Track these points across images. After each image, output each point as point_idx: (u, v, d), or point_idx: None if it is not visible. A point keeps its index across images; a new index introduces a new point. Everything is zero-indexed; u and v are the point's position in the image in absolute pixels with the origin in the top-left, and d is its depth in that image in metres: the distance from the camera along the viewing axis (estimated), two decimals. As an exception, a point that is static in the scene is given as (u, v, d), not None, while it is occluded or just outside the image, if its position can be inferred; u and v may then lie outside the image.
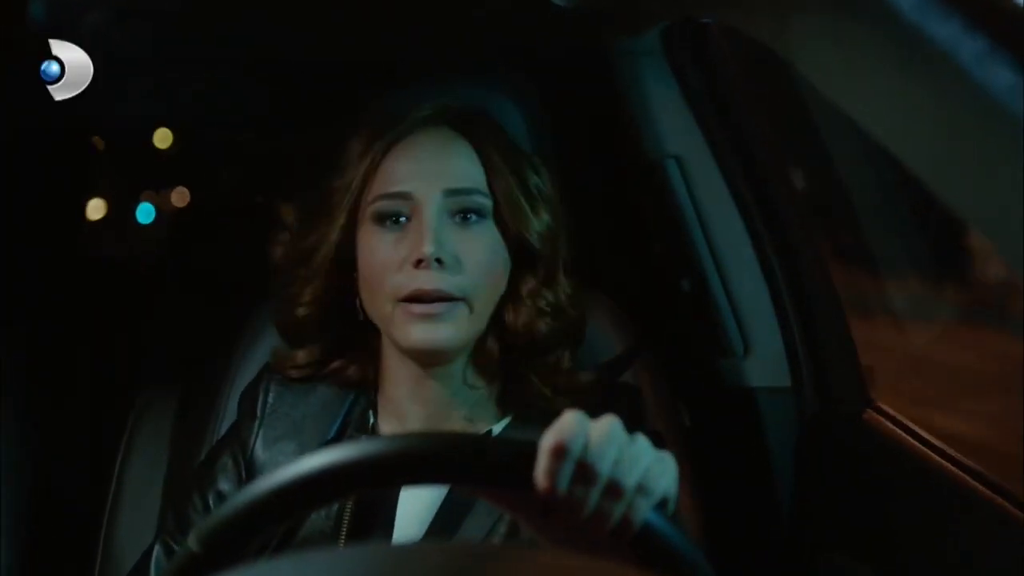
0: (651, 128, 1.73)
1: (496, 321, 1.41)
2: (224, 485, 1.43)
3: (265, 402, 1.46)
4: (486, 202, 1.38)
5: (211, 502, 1.42)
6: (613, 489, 0.92)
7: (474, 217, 1.37)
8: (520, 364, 1.42)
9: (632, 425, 0.97)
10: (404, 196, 1.36)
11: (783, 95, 1.66)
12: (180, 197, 5.94)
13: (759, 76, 1.68)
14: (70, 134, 2.37)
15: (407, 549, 1.01)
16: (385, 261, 1.35)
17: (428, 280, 1.32)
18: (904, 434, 1.48)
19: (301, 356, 1.46)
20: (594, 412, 0.96)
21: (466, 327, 1.36)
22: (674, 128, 1.72)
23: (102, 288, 3.18)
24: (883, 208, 1.76)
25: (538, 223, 1.41)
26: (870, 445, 1.55)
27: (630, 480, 0.92)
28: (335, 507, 1.36)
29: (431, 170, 1.37)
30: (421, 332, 1.33)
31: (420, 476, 0.96)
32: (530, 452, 0.92)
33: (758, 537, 1.71)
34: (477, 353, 1.41)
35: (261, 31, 1.70)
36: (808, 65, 1.26)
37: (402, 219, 1.36)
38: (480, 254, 1.36)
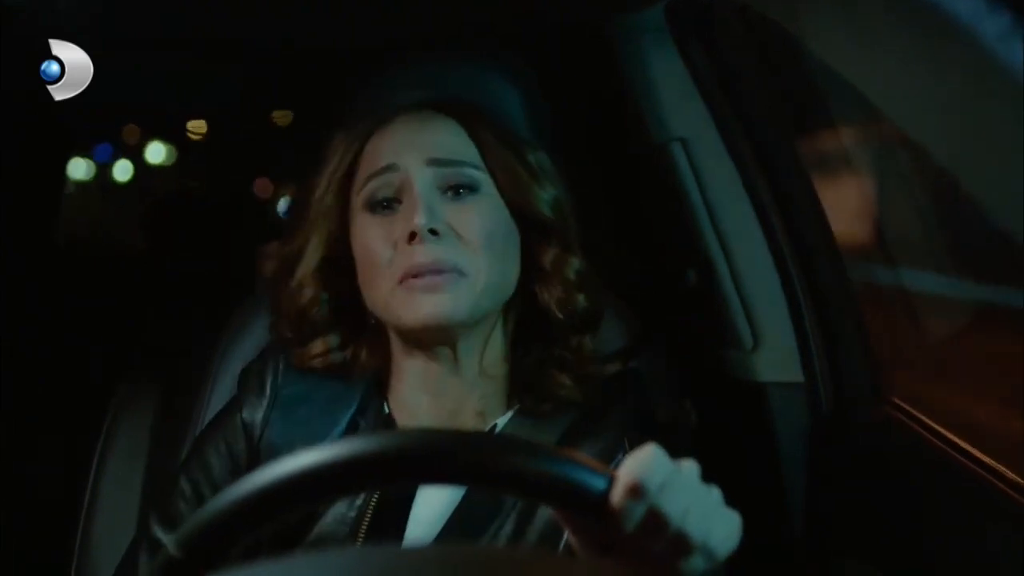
0: (655, 109, 1.72)
1: (523, 301, 1.42)
2: (218, 469, 1.42)
3: (275, 381, 1.46)
4: (478, 175, 1.39)
5: (203, 488, 1.41)
6: (679, 540, 0.93)
7: (466, 191, 1.38)
8: (537, 350, 1.43)
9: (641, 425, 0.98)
10: (390, 168, 1.37)
11: (794, 73, 1.65)
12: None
13: (768, 53, 1.66)
14: (46, 120, 2.37)
15: (420, 551, 1.00)
16: (379, 245, 1.36)
17: (424, 253, 1.32)
18: (924, 432, 1.47)
19: (317, 346, 1.45)
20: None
21: (470, 300, 1.35)
22: (679, 109, 1.71)
23: (80, 275, 3.18)
24: (901, 193, 1.74)
25: (544, 193, 1.42)
26: (887, 444, 1.54)
27: (696, 536, 0.94)
28: (356, 504, 1.36)
29: (414, 142, 1.39)
30: (424, 306, 1.33)
31: (482, 481, 0.95)
32: (607, 480, 0.92)
33: (768, 541, 1.69)
34: (493, 340, 1.42)
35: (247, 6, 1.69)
36: (820, 41, 1.25)
37: (394, 204, 1.37)
38: (477, 226, 1.36)
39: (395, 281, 1.34)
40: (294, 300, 1.44)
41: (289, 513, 0.91)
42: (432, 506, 1.36)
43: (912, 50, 1.11)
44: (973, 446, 1.38)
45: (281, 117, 3.41)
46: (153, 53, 1.88)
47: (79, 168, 6.15)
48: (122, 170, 6.63)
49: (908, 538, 1.44)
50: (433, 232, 1.32)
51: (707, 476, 1.48)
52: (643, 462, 0.93)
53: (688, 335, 1.82)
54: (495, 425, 1.42)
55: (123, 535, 1.52)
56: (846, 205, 1.73)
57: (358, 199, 1.39)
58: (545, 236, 1.42)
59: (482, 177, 1.39)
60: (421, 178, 1.36)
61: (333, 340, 1.45)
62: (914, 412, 1.53)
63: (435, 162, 1.37)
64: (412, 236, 1.32)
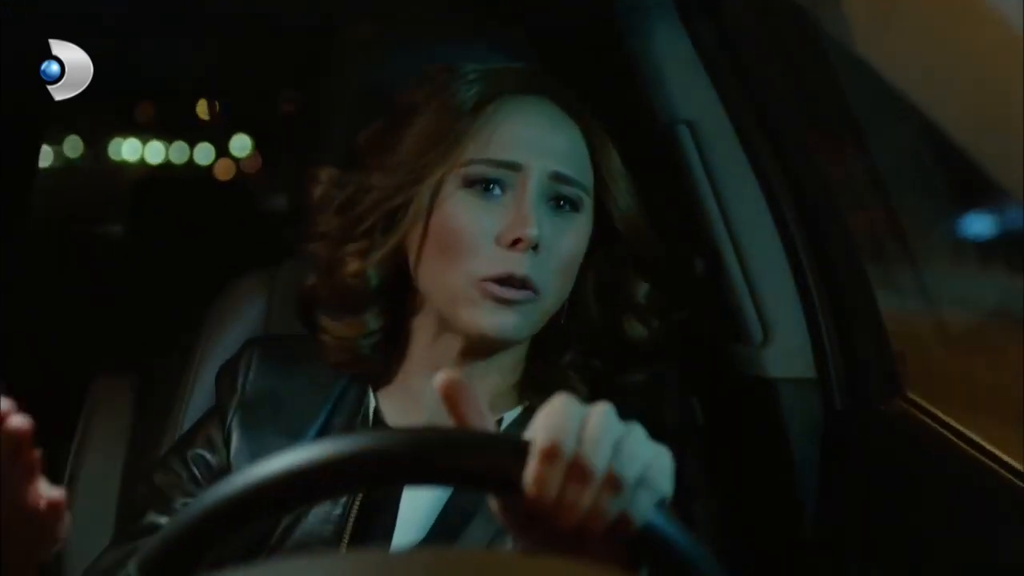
0: (661, 90, 1.71)
1: (577, 317, 1.44)
2: (210, 457, 1.42)
3: (246, 376, 1.45)
4: (584, 196, 1.39)
5: (197, 472, 1.41)
6: (612, 483, 0.90)
7: (568, 207, 1.38)
8: (561, 353, 1.44)
9: (651, 423, 0.96)
10: (513, 166, 1.35)
11: (806, 52, 1.64)
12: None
13: (779, 31, 1.65)
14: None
15: (404, 556, 0.99)
16: (473, 232, 1.34)
17: (520, 264, 1.32)
18: (942, 430, 1.46)
19: (352, 326, 1.43)
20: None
21: (535, 321, 1.37)
22: (686, 90, 1.70)
23: (54, 263, 3.17)
24: (919, 180, 1.73)
25: (634, 212, 1.44)
26: (903, 443, 1.53)
27: (630, 473, 0.90)
28: (339, 508, 1.35)
29: (542, 144, 1.37)
30: (494, 318, 1.33)
31: (390, 477, 0.95)
32: (518, 453, 0.90)
33: (778, 543, 1.70)
34: (527, 346, 1.43)
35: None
36: (833, 17, 1.24)
37: (495, 189, 1.35)
38: (570, 246, 1.37)
39: (475, 277, 1.33)
40: (342, 267, 1.40)
41: (259, 522, 0.91)
42: (418, 507, 1.35)
43: (933, 27, 1.11)
44: (992, 443, 1.38)
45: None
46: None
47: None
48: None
49: (924, 538, 1.44)
50: (535, 247, 1.32)
51: (715, 477, 1.49)
52: (552, 418, 0.90)
53: (695, 329, 1.82)
54: (501, 419, 1.42)
55: (99, 540, 1.51)
56: (860, 192, 1.72)
57: (456, 171, 1.36)
58: (619, 250, 1.44)
59: (586, 198, 1.39)
60: (540, 187, 1.35)
61: (372, 322, 1.42)
62: (930, 408, 1.53)
63: (558, 177, 1.36)
64: (516, 242, 1.32)
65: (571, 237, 1.37)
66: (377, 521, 1.35)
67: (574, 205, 1.38)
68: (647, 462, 0.91)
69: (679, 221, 1.77)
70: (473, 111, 1.37)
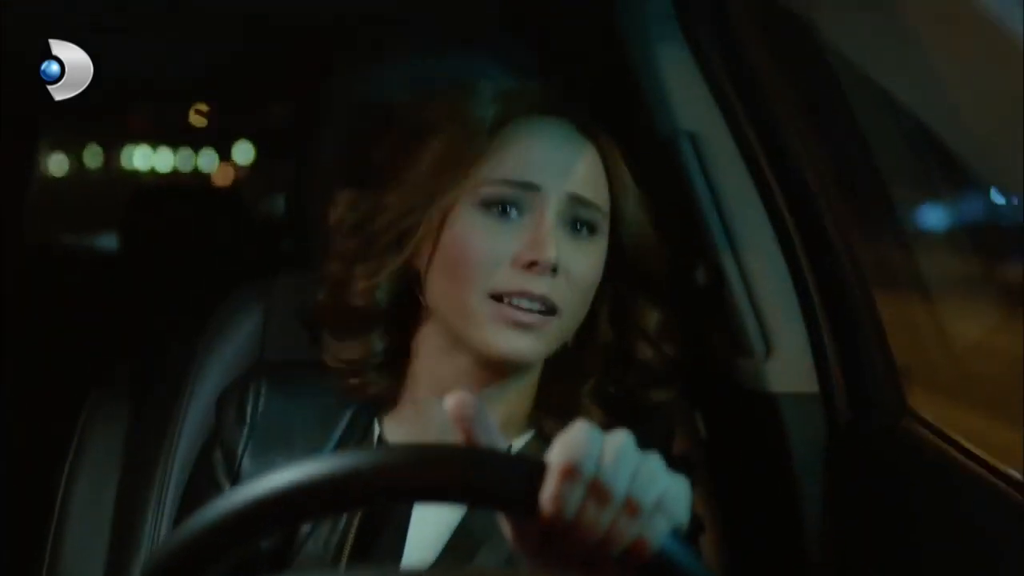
0: (662, 102, 1.71)
1: (589, 340, 1.43)
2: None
3: (255, 407, 1.44)
4: (601, 220, 1.38)
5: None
6: (629, 507, 0.91)
7: (585, 230, 1.37)
8: (574, 377, 1.43)
9: (658, 443, 0.97)
10: (530, 187, 1.34)
11: (809, 65, 1.64)
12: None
13: (782, 43, 1.65)
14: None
15: (419, 574, 0.99)
16: (487, 252, 1.32)
17: (538, 285, 1.31)
18: (947, 446, 1.45)
19: (358, 350, 1.42)
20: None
21: (553, 342, 1.36)
22: (688, 102, 1.70)
23: (48, 274, 3.16)
24: (923, 192, 1.74)
25: (647, 234, 1.43)
26: (908, 458, 1.53)
27: (647, 498, 0.91)
28: (340, 527, 1.34)
29: (560, 166, 1.36)
30: (510, 340, 1.32)
31: (403, 495, 0.95)
32: (536, 472, 0.90)
33: (782, 561, 1.69)
34: (548, 370, 1.42)
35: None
36: (838, 30, 1.24)
37: (512, 210, 1.34)
38: (587, 268, 1.36)
39: (488, 294, 1.32)
40: (352, 288, 1.40)
41: (262, 537, 0.91)
42: (430, 527, 1.35)
43: (934, 37, 1.11)
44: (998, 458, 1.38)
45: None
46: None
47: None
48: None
49: (929, 553, 1.44)
50: (553, 269, 1.31)
51: (717, 493, 1.49)
52: (572, 441, 0.91)
53: (697, 342, 1.81)
54: (511, 446, 1.41)
55: (95, 558, 1.51)
56: (865, 204, 1.72)
57: (471, 193, 1.35)
58: (631, 274, 1.43)
59: (604, 222, 1.39)
60: (557, 209, 1.34)
61: (377, 343, 1.42)
62: (935, 423, 1.53)
63: (577, 200, 1.35)
64: (533, 264, 1.31)
65: (589, 260, 1.37)
66: (385, 543, 1.35)
67: (592, 228, 1.37)
68: (664, 489, 0.93)
69: (680, 234, 1.77)
70: (490, 132, 1.36)
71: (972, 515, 1.38)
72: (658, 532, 0.91)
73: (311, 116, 1.63)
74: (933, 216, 1.75)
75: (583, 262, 1.36)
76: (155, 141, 6.81)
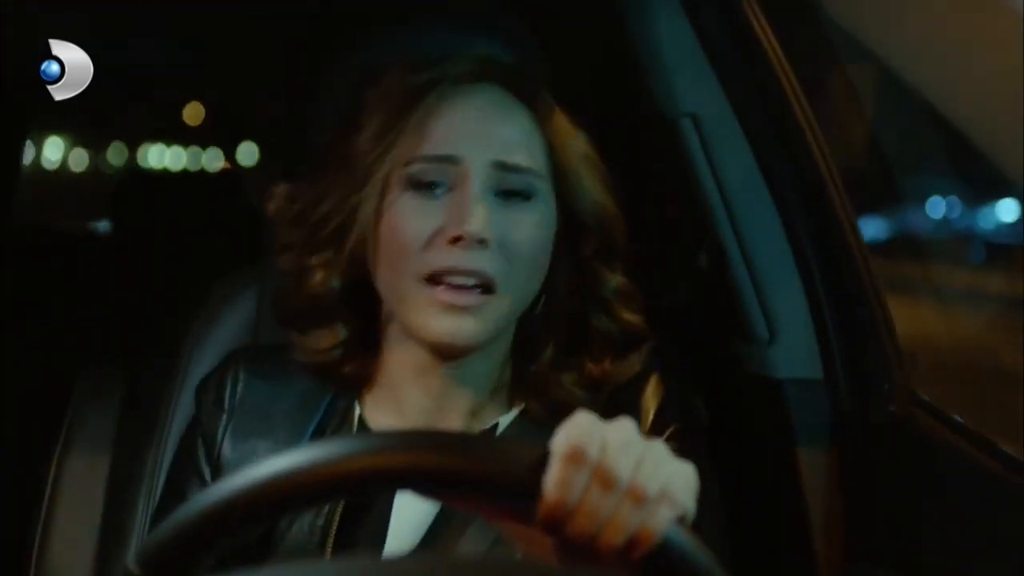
0: (663, 82, 1.70)
1: (551, 313, 1.40)
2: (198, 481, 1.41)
3: (234, 393, 1.43)
4: (538, 184, 1.34)
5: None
6: (633, 495, 0.90)
7: (521, 199, 1.33)
8: (546, 353, 1.41)
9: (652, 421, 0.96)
10: (451, 160, 1.31)
11: (813, 43, 1.64)
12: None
13: (786, 22, 1.64)
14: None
15: (398, 562, 0.99)
16: (414, 234, 1.30)
17: (465, 259, 1.28)
18: (953, 433, 1.46)
19: (325, 338, 1.40)
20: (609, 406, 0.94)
21: (495, 321, 1.32)
22: (690, 82, 1.69)
23: (36, 257, 3.15)
24: (925, 174, 1.74)
25: (591, 195, 1.38)
26: (913, 445, 1.53)
27: (652, 486, 0.91)
28: (321, 516, 1.34)
29: (482, 134, 1.33)
30: (445, 324, 1.29)
31: (399, 483, 0.94)
32: (539, 458, 0.89)
33: (785, 548, 1.69)
34: (502, 343, 1.39)
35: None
36: (841, 7, 1.24)
37: (439, 188, 1.31)
38: (525, 237, 1.32)
39: (420, 276, 1.29)
40: (308, 278, 1.39)
41: (257, 525, 0.91)
42: (411, 515, 1.34)
43: (940, 16, 1.11)
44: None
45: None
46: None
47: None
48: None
49: (934, 541, 1.44)
50: (481, 241, 1.28)
51: (720, 480, 1.48)
52: (576, 427, 0.91)
53: (699, 327, 1.81)
54: (496, 424, 1.40)
55: (84, 549, 1.50)
56: (868, 183, 1.72)
57: (399, 172, 1.32)
58: (585, 243, 1.39)
59: (543, 185, 1.35)
60: (482, 179, 1.30)
61: (342, 331, 1.40)
62: (940, 408, 1.53)
63: (502, 166, 1.32)
64: (457, 239, 1.28)
65: (526, 229, 1.32)
66: (366, 530, 1.34)
67: (526, 195, 1.33)
68: (669, 477, 0.92)
69: (682, 216, 1.77)
70: (412, 104, 1.33)
71: (976, 502, 1.39)
72: (662, 521, 0.91)
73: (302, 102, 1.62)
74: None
75: (521, 231, 1.31)
76: (161, 139, 6.83)
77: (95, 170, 6.91)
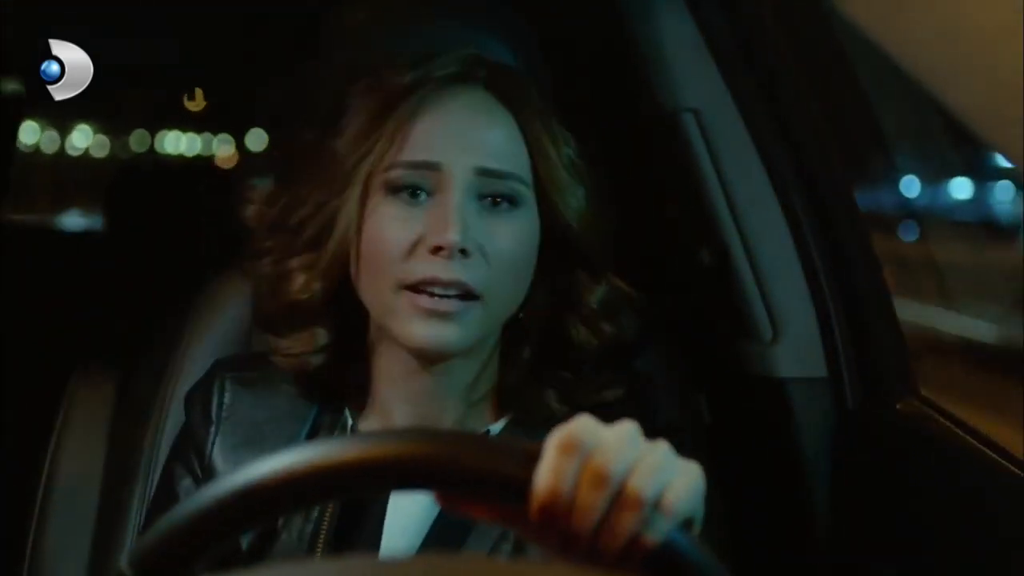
0: (665, 76, 1.70)
1: (532, 323, 1.39)
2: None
3: (220, 404, 1.42)
4: (523, 190, 1.33)
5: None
6: (628, 498, 0.88)
7: (506, 205, 1.31)
8: (530, 363, 1.40)
9: (646, 425, 0.95)
10: (431, 167, 1.29)
11: (817, 37, 1.63)
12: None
13: (789, 15, 1.64)
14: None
15: (395, 564, 0.99)
16: (395, 241, 1.28)
17: (446, 269, 1.26)
18: (958, 431, 1.45)
19: (303, 342, 1.40)
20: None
21: (479, 329, 1.31)
22: (692, 76, 1.69)
23: (29, 254, 3.15)
24: (935, 168, 1.74)
25: (576, 202, 1.37)
26: (918, 443, 1.53)
27: (648, 491, 0.88)
28: (313, 518, 1.33)
29: (465, 140, 1.31)
30: (427, 330, 1.28)
31: (396, 480, 0.93)
32: (533, 451, 0.89)
33: (789, 548, 1.69)
34: (489, 351, 1.38)
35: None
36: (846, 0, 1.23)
37: (421, 194, 1.30)
38: (509, 246, 1.31)
39: (402, 285, 1.28)
40: (288, 283, 1.38)
41: (251, 527, 0.91)
42: (408, 518, 1.34)
43: (946, 8, 1.10)
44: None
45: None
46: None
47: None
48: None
49: (939, 539, 1.44)
50: (463, 251, 1.27)
51: (723, 478, 1.48)
52: (572, 424, 0.89)
53: (701, 325, 1.81)
54: (488, 430, 1.40)
55: (79, 548, 1.50)
56: (874, 180, 1.72)
57: (380, 177, 1.31)
58: (569, 252, 1.38)
59: (526, 192, 1.33)
60: (464, 186, 1.29)
61: (322, 336, 1.39)
62: (945, 407, 1.52)
63: (485, 172, 1.30)
64: (438, 249, 1.26)
65: (511, 236, 1.31)
66: (361, 533, 1.34)
67: (511, 201, 1.32)
68: (669, 481, 0.90)
69: (684, 213, 1.77)
70: (393, 107, 1.32)
71: (981, 499, 1.39)
72: (660, 527, 0.89)
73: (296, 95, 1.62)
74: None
75: (504, 239, 1.30)
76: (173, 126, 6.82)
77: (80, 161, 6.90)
